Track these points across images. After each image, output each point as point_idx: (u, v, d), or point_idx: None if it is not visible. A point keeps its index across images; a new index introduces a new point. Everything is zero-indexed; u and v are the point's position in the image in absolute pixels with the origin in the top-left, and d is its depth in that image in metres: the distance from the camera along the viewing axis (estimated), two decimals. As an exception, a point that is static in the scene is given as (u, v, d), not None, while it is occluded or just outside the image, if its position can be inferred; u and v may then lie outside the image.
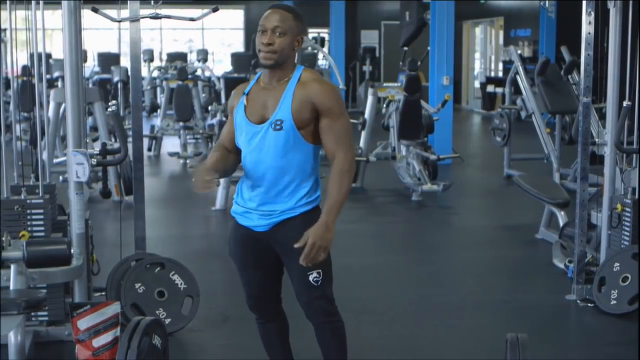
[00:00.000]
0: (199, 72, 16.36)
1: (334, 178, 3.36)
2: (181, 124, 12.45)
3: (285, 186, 3.41)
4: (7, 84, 10.41)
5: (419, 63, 10.02)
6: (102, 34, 20.59)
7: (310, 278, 3.41)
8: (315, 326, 3.55)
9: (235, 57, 19.86)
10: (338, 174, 3.36)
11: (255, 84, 3.52)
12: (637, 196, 5.56)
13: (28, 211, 4.69)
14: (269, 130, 3.38)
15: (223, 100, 14.14)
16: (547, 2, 12.77)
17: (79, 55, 4.62)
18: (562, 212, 6.92)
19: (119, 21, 5.27)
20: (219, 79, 16.35)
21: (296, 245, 3.29)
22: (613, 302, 5.24)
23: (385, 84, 11.88)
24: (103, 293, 5.04)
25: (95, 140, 9.82)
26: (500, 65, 20.59)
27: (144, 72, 16.47)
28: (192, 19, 5.50)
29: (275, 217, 3.43)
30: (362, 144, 10.00)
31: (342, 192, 3.35)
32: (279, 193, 3.42)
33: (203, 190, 3.36)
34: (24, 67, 10.64)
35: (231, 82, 14.40)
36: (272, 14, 3.41)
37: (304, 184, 3.43)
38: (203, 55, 18.91)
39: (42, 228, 4.70)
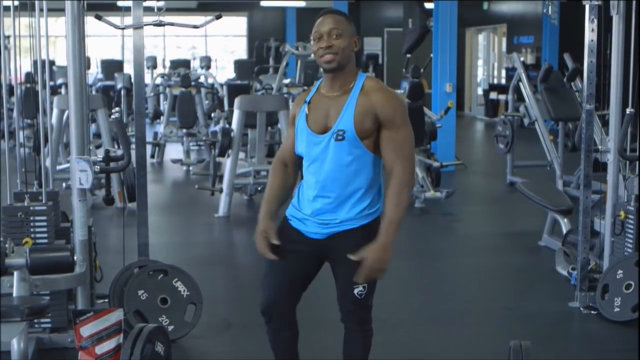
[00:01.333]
0: (202, 79, 16.38)
1: (391, 194, 3.29)
2: (184, 130, 12.46)
3: (346, 197, 3.37)
4: (11, 91, 10.45)
5: (422, 70, 10.03)
6: (105, 41, 20.65)
7: (356, 292, 3.40)
8: (349, 331, 3.55)
9: (239, 64, 19.92)
10: (396, 189, 3.29)
11: (316, 92, 3.46)
12: (640, 203, 5.56)
13: (31, 218, 4.69)
14: (331, 141, 3.33)
15: (226, 107, 14.16)
16: (550, 9, 12.78)
17: (83, 62, 4.63)
18: (565, 219, 6.91)
19: (123, 28, 5.28)
20: (222, 85, 16.37)
21: (353, 257, 3.26)
22: (616, 309, 5.23)
23: (388, 89, 11.88)
24: (106, 300, 5.04)
25: (98, 147, 9.85)
26: (503, 72, 20.59)
27: (147, 79, 16.50)
28: (195, 26, 5.50)
29: (333, 227, 3.40)
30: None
31: (400, 210, 3.29)
32: (340, 204, 3.38)
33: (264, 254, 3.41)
34: (28, 74, 10.65)
35: (234, 89, 14.43)
36: (326, 18, 3.36)
37: (366, 196, 3.38)
38: (206, 62, 18.94)
39: (45, 235, 4.70)
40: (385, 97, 3.36)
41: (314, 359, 4.34)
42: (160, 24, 5.24)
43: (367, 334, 3.55)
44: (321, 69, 3.47)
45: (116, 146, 8.96)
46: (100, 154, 4.98)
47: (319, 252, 3.45)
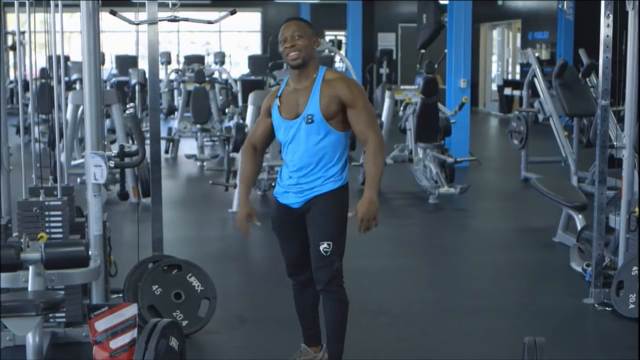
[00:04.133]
0: (216, 75, 16.36)
1: (369, 157, 3.97)
2: (198, 126, 12.48)
3: (319, 169, 4.00)
4: (26, 87, 10.47)
5: (436, 66, 10.01)
6: (120, 36, 20.67)
7: (321, 248, 3.97)
8: (321, 294, 4.07)
9: (253, 59, 19.89)
10: (372, 153, 3.96)
11: (285, 87, 4.12)
12: (655, 199, 5.53)
13: (46, 213, 4.71)
14: (302, 124, 3.99)
15: (240, 102, 14.16)
16: (565, 4, 12.73)
17: (97, 58, 4.64)
18: (580, 216, 6.89)
19: (137, 24, 5.29)
20: (236, 81, 16.38)
21: (350, 214, 3.92)
22: (631, 306, 5.21)
23: (402, 87, 11.88)
24: (120, 295, 5.06)
25: (113, 142, 9.85)
26: (518, 68, 20.51)
27: (162, 74, 16.51)
28: (209, 22, 5.51)
29: (307, 194, 4.02)
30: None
31: (378, 168, 3.95)
32: (313, 174, 4.00)
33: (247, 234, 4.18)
34: (43, 70, 10.68)
35: (248, 85, 14.44)
36: (289, 25, 4.04)
37: (334, 166, 4.01)
38: (220, 58, 18.94)
39: (60, 230, 4.72)
40: (345, 82, 4.02)
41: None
42: (174, 20, 5.24)
43: (335, 296, 4.02)
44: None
45: (130, 141, 8.96)
46: (114, 149, 4.99)
47: (302, 219, 4.07)
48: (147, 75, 5.41)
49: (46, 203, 4.72)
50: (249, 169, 4.23)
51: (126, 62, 18.22)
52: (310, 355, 4.27)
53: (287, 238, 4.17)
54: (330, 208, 3.99)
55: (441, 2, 11.96)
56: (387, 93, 10.48)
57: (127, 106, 5.97)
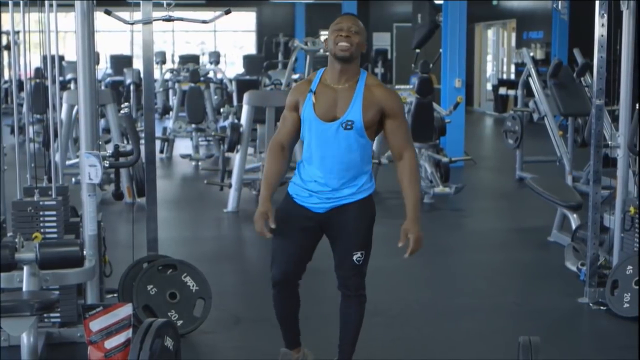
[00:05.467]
0: (211, 75, 16.38)
1: (409, 177, 3.86)
2: (193, 126, 12.47)
3: (349, 178, 3.84)
4: (21, 86, 10.46)
5: (431, 65, 10.01)
6: (114, 36, 20.67)
7: (354, 258, 3.88)
8: (345, 297, 3.99)
9: (248, 59, 19.89)
10: (411, 172, 3.86)
11: (320, 83, 3.85)
12: (650, 199, 5.54)
13: (41, 213, 4.70)
14: (340, 129, 3.77)
15: (235, 102, 14.16)
16: (559, 4, 12.72)
17: (92, 58, 4.63)
18: (575, 215, 6.90)
19: (132, 23, 5.28)
20: (231, 81, 16.39)
21: (399, 244, 3.86)
22: (626, 305, 5.22)
23: (397, 87, 11.88)
24: (115, 295, 5.06)
25: (107, 142, 9.86)
26: (513, 68, 20.53)
27: (156, 74, 16.51)
28: (204, 22, 5.51)
29: (335, 201, 3.86)
30: (374, 146, 9.97)
31: (418, 189, 3.89)
32: (343, 184, 3.84)
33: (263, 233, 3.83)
34: (37, 70, 10.68)
35: (243, 84, 14.44)
36: (347, 17, 3.85)
37: (363, 175, 3.88)
38: (215, 58, 18.95)
39: (54, 230, 4.71)
40: (388, 92, 3.86)
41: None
42: (169, 19, 5.24)
43: (362, 299, 4.01)
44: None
45: (125, 141, 8.97)
46: (109, 149, 4.98)
47: (320, 225, 3.90)
48: (141, 75, 5.41)
49: (41, 203, 4.71)
50: (274, 169, 3.89)
51: (121, 62, 18.23)
52: (293, 357, 4.20)
53: (292, 241, 3.90)
54: (361, 217, 3.91)
55: (436, 1, 11.96)
56: (382, 93, 10.45)
57: (122, 106, 5.97)
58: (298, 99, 3.85)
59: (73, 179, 8.53)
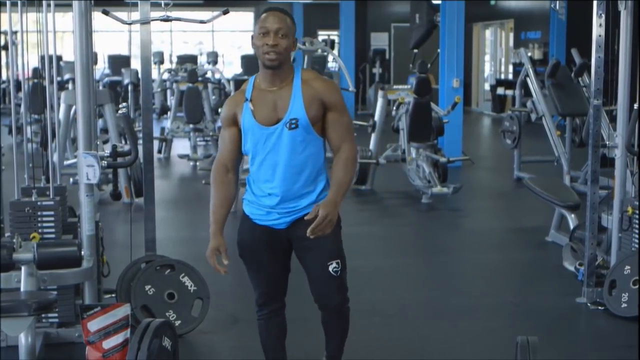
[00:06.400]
0: (209, 75, 16.35)
1: (340, 164, 3.50)
2: (191, 126, 12.46)
3: (304, 182, 3.55)
4: (18, 86, 10.45)
5: (429, 65, 10.01)
6: (112, 36, 20.66)
7: (330, 268, 3.58)
8: (329, 311, 3.73)
9: (245, 59, 19.89)
10: (344, 161, 3.51)
11: (254, 89, 3.57)
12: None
13: (39, 213, 4.70)
14: (284, 130, 3.49)
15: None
16: (557, 4, 12.73)
17: (90, 58, 4.64)
18: (573, 215, 6.90)
19: (130, 23, 5.28)
20: (229, 81, 16.36)
21: (307, 217, 3.40)
22: (624, 305, 5.22)
23: (395, 87, 11.87)
24: (113, 295, 5.05)
25: (105, 142, 9.84)
26: (511, 68, 20.53)
27: (154, 74, 16.50)
28: (202, 22, 5.50)
29: (296, 213, 3.56)
30: (372, 146, 9.99)
31: (348, 177, 3.51)
32: (299, 189, 3.55)
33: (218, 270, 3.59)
34: (35, 70, 10.65)
35: (241, 84, 14.37)
36: (272, 16, 3.48)
37: (320, 178, 3.58)
38: (213, 58, 18.94)
39: (52, 230, 4.71)
40: (326, 83, 3.58)
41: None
42: (167, 19, 5.24)
43: (346, 310, 3.76)
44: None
45: (123, 141, 8.96)
46: (107, 149, 4.98)
47: (285, 241, 3.63)
48: (139, 75, 5.40)
49: (39, 203, 4.71)
50: (221, 198, 3.64)
51: (119, 62, 18.23)
52: None
53: (263, 264, 3.68)
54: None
55: (434, 1, 11.96)
56: (380, 93, 10.47)
57: (120, 106, 5.96)
58: (235, 111, 3.58)
59: (71, 179, 8.52)
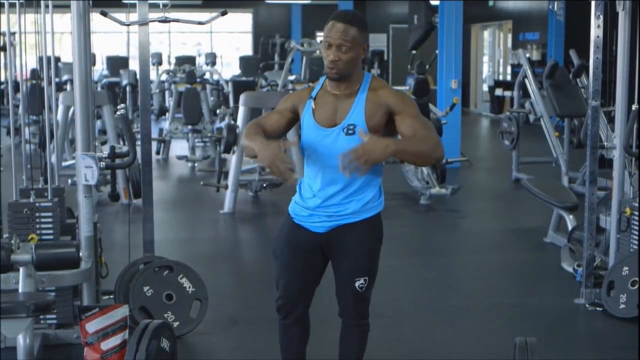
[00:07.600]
0: (207, 76, 16.37)
1: (419, 136, 3.34)
2: (189, 127, 12.47)
3: (354, 190, 3.45)
4: (17, 87, 10.46)
5: (427, 66, 10.04)
6: (111, 37, 20.64)
7: (357, 284, 3.49)
8: (346, 326, 3.63)
9: (244, 60, 19.89)
10: (422, 137, 3.35)
11: (321, 89, 3.53)
12: (646, 200, 5.55)
13: (37, 214, 4.70)
14: (341, 134, 3.41)
15: (231, 103, 14.14)
16: (555, 4, 12.75)
17: (88, 59, 4.63)
18: (571, 216, 6.90)
19: (128, 25, 5.28)
20: (227, 82, 16.36)
21: (361, 136, 3.29)
22: (622, 306, 5.22)
23: (393, 87, 11.87)
24: (111, 296, 5.05)
25: (104, 143, 9.83)
26: (509, 69, 20.55)
27: (153, 75, 16.49)
28: (200, 23, 5.50)
29: (338, 219, 3.47)
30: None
31: (416, 142, 3.34)
32: (348, 196, 3.45)
33: (288, 176, 3.31)
34: (33, 71, 10.64)
35: (239, 86, 14.40)
36: (337, 27, 3.39)
37: (371, 188, 3.47)
38: (211, 59, 18.92)
39: (51, 231, 4.70)
40: (393, 92, 3.47)
41: (317, 355, 4.34)
42: (165, 21, 5.24)
43: (364, 328, 3.63)
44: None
45: (121, 142, 8.94)
46: (105, 151, 4.98)
47: (322, 246, 3.52)
48: (138, 76, 5.40)
49: (37, 204, 4.71)
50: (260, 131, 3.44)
51: (117, 63, 18.20)
52: None
53: (295, 266, 3.54)
54: (366, 239, 3.48)
55: (432, 2, 11.97)
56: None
57: (118, 107, 5.96)
58: (297, 104, 3.55)
59: (69, 181, 8.53)
